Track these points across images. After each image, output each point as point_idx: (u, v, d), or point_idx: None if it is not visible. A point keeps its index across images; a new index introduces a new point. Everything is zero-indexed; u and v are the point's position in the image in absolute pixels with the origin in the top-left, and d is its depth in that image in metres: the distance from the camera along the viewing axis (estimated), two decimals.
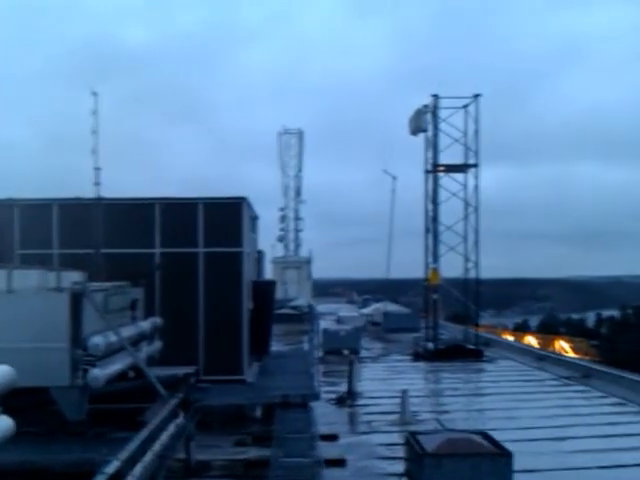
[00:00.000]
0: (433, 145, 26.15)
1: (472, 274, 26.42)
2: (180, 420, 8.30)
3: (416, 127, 26.51)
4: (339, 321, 37.79)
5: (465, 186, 26.39)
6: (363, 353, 25.99)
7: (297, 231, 58.68)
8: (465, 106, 26.24)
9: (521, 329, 75.02)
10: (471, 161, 26.26)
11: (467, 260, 26.25)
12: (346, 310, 48.89)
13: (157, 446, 6.75)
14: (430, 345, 25.71)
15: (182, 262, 14.37)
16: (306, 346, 24.47)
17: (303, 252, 58.27)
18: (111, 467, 5.32)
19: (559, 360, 24.61)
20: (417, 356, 25.37)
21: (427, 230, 26.37)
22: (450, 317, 45.22)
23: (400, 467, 10.51)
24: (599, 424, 14.28)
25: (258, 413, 13.76)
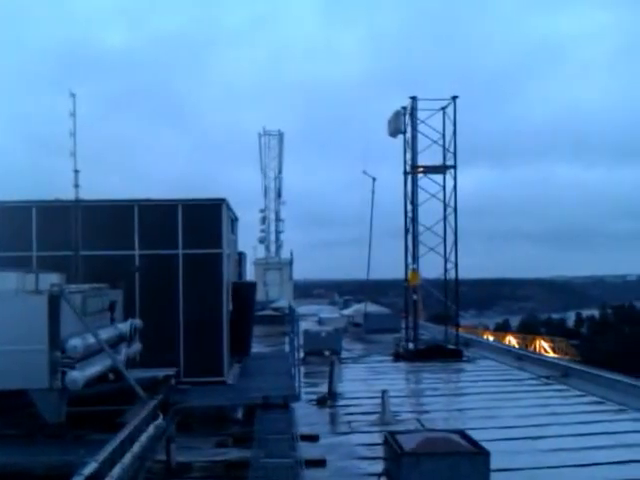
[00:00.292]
0: (412, 147, 26.31)
1: (452, 274, 26.61)
2: (159, 422, 8.30)
3: (395, 129, 26.67)
4: (320, 322, 37.81)
5: (444, 187, 26.56)
6: (344, 354, 26.06)
7: (278, 232, 58.71)
8: (443, 108, 26.42)
9: (502, 329, 75.61)
10: (449, 162, 26.45)
11: (446, 260, 26.41)
12: (327, 311, 48.90)
13: (136, 447, 6.76)
14: (410, 345, 25.84)
15: (162, 264, 14.36)
16: (287, 347, 24.52)
17: (284, 253, 58.37)
18: (89, 468, 5.33)
19: (538, 360, 24.82)
20: (398, 356, 25.47)
21: (407, 231, 26.51)
22: (432, 317, 45.45)
23: (380, 467, 10.58)
24: (577, 423, 14.42)
25: (239, 414, 13.78)
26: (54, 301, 7.91)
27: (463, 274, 27.01)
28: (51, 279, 10.11)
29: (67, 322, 8.03)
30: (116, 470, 5.85)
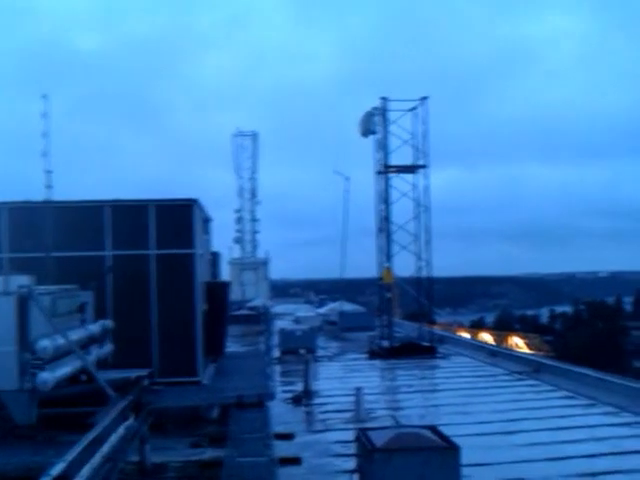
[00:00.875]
0: (383, 147, 26.46)
1: (425, 272, 26.78)
2: (130, 422, 8.27)
3: (366, 129, 26.84)
4: (296, 321, 37.88)
5: (415, 186, 26.74)
6: (319, 352, 26.11)
7: (254, 232, 58.68)
8: (413, 108, 26.62)
9: (477, 326, 76.33)
10: (420, 162, 26.64)
11: (419, 259, 26.57)
12: (303, 310, 49.04)
13: (106, 448, 6.74)
14: (385, 343, 25.94)
15: (134, 264, 14.27)
16: (263, 346, 24.52)
17: (260, 253, 58.37)
18: (56, 469, 5.31)
19: (511, 355, 25.07)
20: (372, 354, 25.57)
21: (380, 230, 26.64)
22: (408, 315, 45.69)
23: (354, 464, 10.62)
24: (549, 417, 14.58)
25: (215, 414, 13.76)
26: (23, 302, 7.86)
27: (438, 272, 27.28)
28: (21, 281, 10.02)
29: (36, 323, 7.98)
30: (85, 470, 5.83)
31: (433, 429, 8.89)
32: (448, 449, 7.96)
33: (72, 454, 5.74)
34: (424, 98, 26.50)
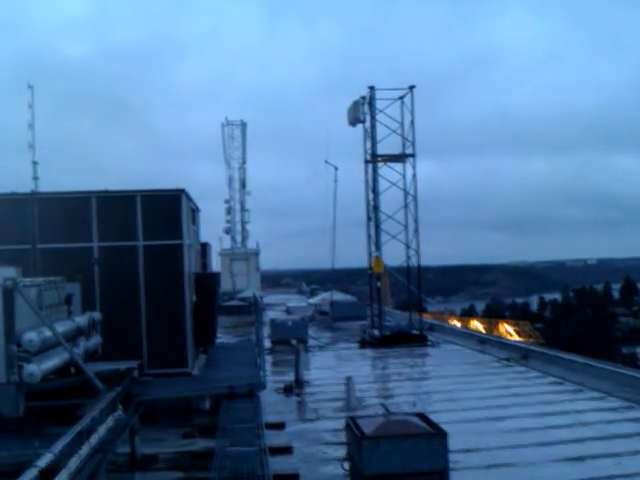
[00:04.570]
0: (371, 136, 26.44)
1: (415, 261, 26.84)
2: (118, 413, 8.27)
3: (354, 118, 26.82)
4: (288, 311, 37.93)
5: (404, 175, 26.73)
6: (311, 342, 26.17)
7: (244, 223, 58.50)
8: (401, 97, 26.60)
9: (468, 314, 76.71)
10: (408, 151, 26.64)
11: (408, 248, 26.60)
12: (295, 300, 49.14)
13: (94, 439, 6.74)
14: (376, 332, 26.03)
15: (121, 255, 14.20)
16: (254, 337, 24.55)
17: (251, 244, 58.27)
18: (43, 460, 5.31)
19: (500, 343, 25.20)
20: (364, 343, 25.66)
21: (369, 219, 26.67)
22: (400, 304, 45.87)
23: (344, 452, 10.68)
24: (537, 403, 14.70)
25: (207, 405, 13.76)
26: (8, 295, 7.82)
27: (428, 262, 27.37)
28: (7, 273, 9.97)
29: (22, 316, 7.96)
30: (73, 461, 5.83)
31: (422, 416, 8.96)
32: (436, 435, 8.02)
33: (59, 446, 5.74)
34: (412, 87, 26.49)
